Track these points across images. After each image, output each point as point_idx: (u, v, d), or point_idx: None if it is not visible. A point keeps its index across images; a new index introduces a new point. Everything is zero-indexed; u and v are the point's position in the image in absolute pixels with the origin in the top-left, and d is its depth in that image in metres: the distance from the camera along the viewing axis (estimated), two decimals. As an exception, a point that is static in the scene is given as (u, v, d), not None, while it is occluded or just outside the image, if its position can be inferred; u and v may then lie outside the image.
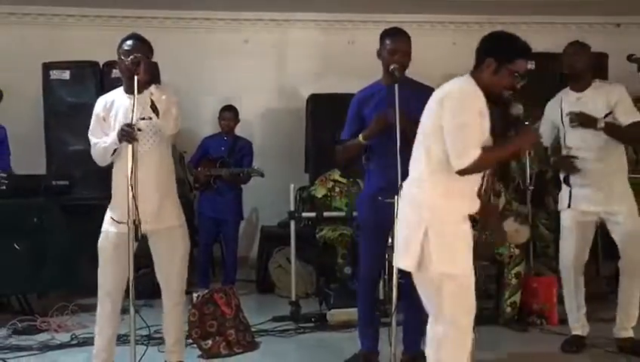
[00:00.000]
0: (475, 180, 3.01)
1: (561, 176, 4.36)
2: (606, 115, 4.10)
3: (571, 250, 4.28)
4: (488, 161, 2.92)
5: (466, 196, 3.00)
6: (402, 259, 3.00)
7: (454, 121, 2.85)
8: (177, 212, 3.76)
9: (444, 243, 2.89)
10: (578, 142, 4.18)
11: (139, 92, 3.47)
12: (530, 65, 6.22)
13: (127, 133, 3.45)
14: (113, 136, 3.58)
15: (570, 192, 4.23)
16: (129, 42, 3.65)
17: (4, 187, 5.09)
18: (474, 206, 3.03)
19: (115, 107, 3.69)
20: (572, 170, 4.20)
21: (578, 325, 4.34)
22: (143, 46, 3.66)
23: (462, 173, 2.85)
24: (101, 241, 3.69)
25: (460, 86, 2.95)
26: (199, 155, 6.24)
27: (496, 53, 2.91)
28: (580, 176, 4.19)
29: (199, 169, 6.11)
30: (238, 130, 6.33)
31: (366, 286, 4.04)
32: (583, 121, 4.09)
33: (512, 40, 2.97)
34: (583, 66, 4.18)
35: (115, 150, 3.60)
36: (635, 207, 4.14)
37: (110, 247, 3.63)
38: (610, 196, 4.14)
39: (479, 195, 3.07)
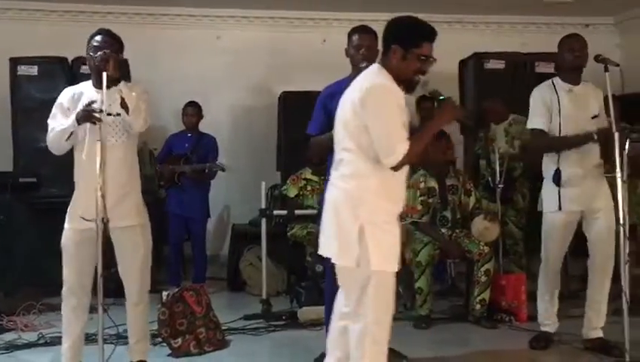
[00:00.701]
0: (403, 178, 3.03)
1: (548, 176, 4.22)
2: (594, 117, 4.11)
3: (557, 250, 4.26)
4: (417, 151, 2.91)
5: (398, 194, 3.02)
6: (343, 256, 2.94)
7: (378, 120, 2.86)
8: (138, 210, 3.70)
9: (379, 242, 2.89)
10: (574, 132, 4.09)
11: (108, 87, 3.44)
12: (500, 65, 6.48)
13: (88, 113, 3.41)
14: (72, 117, 3.50)
15: (559, 193, 4.13)
16: (98, 38, 3.61)
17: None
18: (402, 204, 3.06)
19: (82, 100, 3.61)
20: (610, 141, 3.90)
21: (549, 322, 4.36)
22: (113, 42, 3.62)
23: (395, 168, 2.89)
24: (64, 238, 3.64)
25: (376, 83, 2.92)
26: (164, 153, 6.22)
27: (402, 39, 2.90)
28: (572, 172, 4.10)
29: (161, 166, 6.09)
30: (210, 127, 6.30)
31: (335, 289, 4.02)
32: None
33: (416, 25, 2.96)
34: (586, 61, 4.15)
35: (71, 133, 3.53)
36: (612, 202, 4.08)
37: (72, 244, 3.59)
38: (597, 193, 4.12)
39: None
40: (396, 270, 2.95)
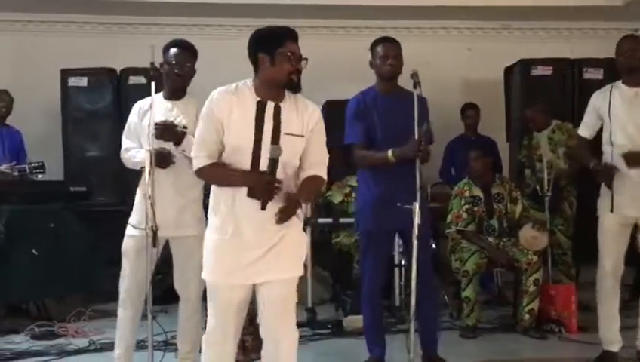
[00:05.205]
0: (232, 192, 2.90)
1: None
2: None
3: (612, 257, 4.12)
4: (213, 178, 2.92)
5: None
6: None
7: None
8: (198, 221, 3.69)
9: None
10: (625, 140, 4.01)
11: (177, 98, 3.60)
12: (547, 71, 6.40)
13: (163, 156, 3.49)
14: (143, 155, 3.57)
15: (612, 196, 4.04)
16: (175, 50, 3.66)
17: (41, 175, 5.04)
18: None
19: (150, 113, 3.65)
20: (608, 180, 4.03)
21: (614, 340, 4.15)
22: (189, 54, 3.68)
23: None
24: (124, 245, 3.70)
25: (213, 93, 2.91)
26: None
27: (264, 45, 2.86)
28: (622, 178, 4.01)
29: None
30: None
31: (370, 290, 4.02)
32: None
33: (270, 29, 2.93)
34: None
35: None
36: None
37: (132, 252, 3.64)
38: None
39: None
40: (215, 280, 2.90)
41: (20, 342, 4.75)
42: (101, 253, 5.16)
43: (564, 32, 7.71)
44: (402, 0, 6.99)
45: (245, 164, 2.82)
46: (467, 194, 5.16)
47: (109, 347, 3.93)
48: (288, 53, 2.84)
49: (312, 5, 6.95)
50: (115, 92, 6.29)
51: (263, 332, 2.97)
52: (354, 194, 5.99)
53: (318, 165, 2.95)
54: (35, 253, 5.06)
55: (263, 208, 2.77)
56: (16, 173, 4.37)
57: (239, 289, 2.88)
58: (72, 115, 6.39)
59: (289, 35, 2.88)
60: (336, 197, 6.02)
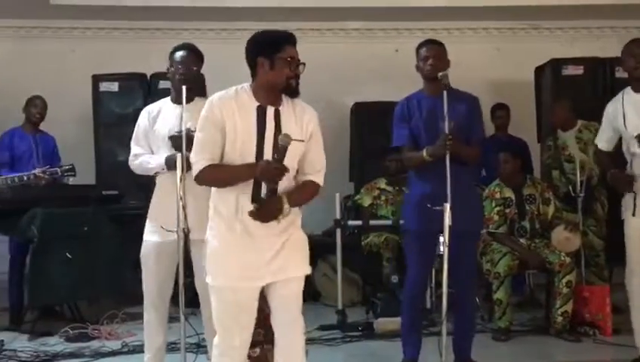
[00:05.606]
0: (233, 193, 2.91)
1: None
2: None
3: (638, 258, 4.04)
4: (215, 178, 2.86)
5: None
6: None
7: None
8: None
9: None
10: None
11: (186, 101, 3.53)
12: (579, 71, 6.32)
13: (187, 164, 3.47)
14: (159, 161, 3.61)
15: (635, 200, 3.98)
16: (180, 53, 3.68)
17: (72, 178, 5.10)
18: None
19: (161, 117, 3.72)
20: (627, 189, 4.01)
21: None
22: (194, 57, 3.69)
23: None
24: (143, 251, 3.71)
25: (211, 97, 2.89)
26: None
27: (263, 50, 2.84)
28: None
29: None
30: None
31: (413, 294, 4.01)
32: None
33: (269, 33, 2.91)
34: None
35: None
36: None
37: (152, 256, 3.66)
38: None
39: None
40: (222, 284, 2.87)
41: (55, 343, 4.81)
42: (131, 255, 5.20)
43: (595, 31, 7.62)
44: (430, 1, 6.98)
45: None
46: (498, 196, 5.12)
47: (141, 349, 3.96)
48: (288, 58, 2.83)
49: (341, 8, 6.95)
50: (146, 96, 6.35)
51: (275, 332, 2.95)
52: (383, 197, 6.02)
53: (316, 172, 2.92)
54: (68, 256, 5.12)
55: (274, 194, 2.76)
56: (47, 176, 4.42)
57: (248, 291, 2.85)
58: (104, 120, 6.47)
59: (288, 40, 2.88)
60: (366, 200, 6.02)
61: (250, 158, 2.79)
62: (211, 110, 2.81)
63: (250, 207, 2.77)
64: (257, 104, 2.83)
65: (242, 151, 2.79)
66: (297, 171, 2.91)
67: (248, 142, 2.79)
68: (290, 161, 2.80)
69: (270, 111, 2.83)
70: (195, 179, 2.88)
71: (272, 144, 2.79)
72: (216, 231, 2.86)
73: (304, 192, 2.89)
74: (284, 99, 2.88)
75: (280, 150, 2.74)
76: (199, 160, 2.83)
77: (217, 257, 2.86)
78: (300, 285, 2.92)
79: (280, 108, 2.85)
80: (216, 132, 2.79)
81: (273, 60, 2.81)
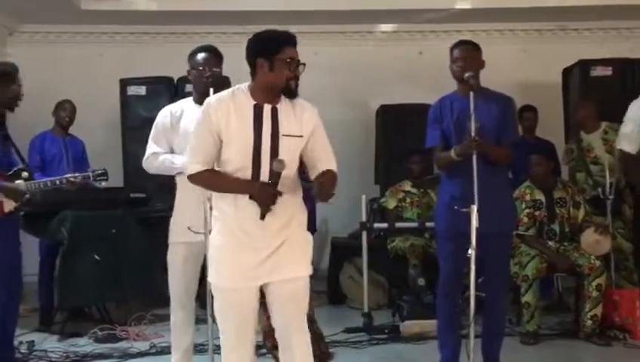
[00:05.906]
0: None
1: None
2: None
3: None
4: (208, 184, 2.91)
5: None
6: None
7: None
8: None
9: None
10: None
11: None
12: (607, 72, 6.24)
13: None
14: (183, 160, 3.57)
15: None
16: (201, 55, 3.70)
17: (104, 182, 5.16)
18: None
19: (184, 118, 3.71)
20: None
21: None
22: (216, 58, 3.71)
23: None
24: (170, 253, 3.73)
25: (208, 98, 2.91)
26: None
27: (263, 50, 2.81)
28: None
29: None
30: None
31: (445, 292, 3.97)
32: None
33: (272, 33, 2.87)
34: None
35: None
36: None
37: (179, 259, 3.67)
38: None
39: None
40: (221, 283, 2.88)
41: (84, 344, 4.87)
42: (159, 257, 5.24)
43: (624, 32, 7.53)
44: (455, 3, 6.96)
45: (245, 168, 2.82)
46: (528, 198, 5.07)
47: (168, 350, 3.97)
48: (287, 60, 2.82)
49: (367, 11, 6.95)
50: (173, 100, 6.36)
51: (277, 334, 2.97)
52: (408, 199, 6.00)
53: (328, 160, 2.94)
54: (97, 258, 5.17)
55: (262, 218, 2.77)
56: (80, 180, 4.48)
57: (246, 291, 2.85)
58: (131, 123, 6.52)
59: (288, 41, 2.87)
60: (391, 203, 6.00)
61: (248, 157, 2.81)
62: (207, 113, 2.83)
63: (249, 206, 2.79)
64: (254, 103, 2.84)
65: (239, 150, 2.81)
66: (311, 167, 2.93)
67: (245, 141, 2.80)
68: (291, 155, 2.84)
69: (267, 108, 2.84)
70: (187, 178, 2.91)
71: (269, 142, 2.80)
72: (216, 230, 2.90)
73: (328, 179, 2.86)
74: (283, 98, 2.89)
75: (274, 175, 2.77)
76: (193, 162, 2.86)
77: (217, 256, 2.89)
78: (300, 286, 2.91)
79: (277, 105, 2.86)
80: (210, 135, 2.81)
81: (273, 62, 2.81)
